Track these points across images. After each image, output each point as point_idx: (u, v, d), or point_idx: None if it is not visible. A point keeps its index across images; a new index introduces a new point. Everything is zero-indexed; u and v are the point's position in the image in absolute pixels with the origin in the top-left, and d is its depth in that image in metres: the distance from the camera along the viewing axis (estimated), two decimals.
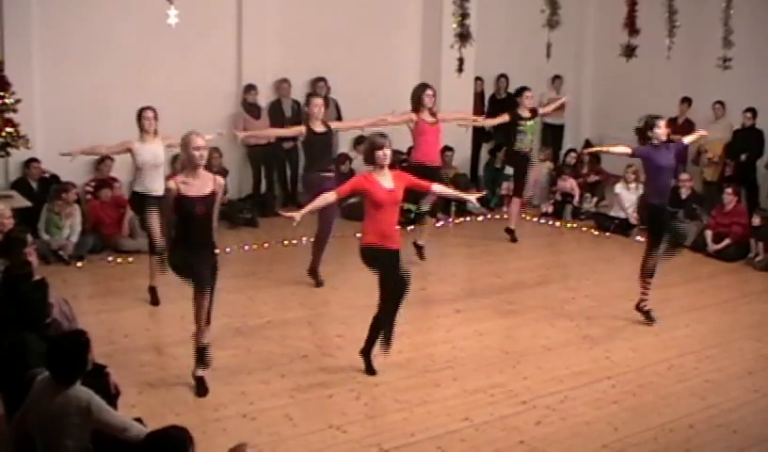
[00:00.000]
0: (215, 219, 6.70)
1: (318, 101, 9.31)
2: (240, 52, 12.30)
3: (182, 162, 6.70)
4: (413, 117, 9.84)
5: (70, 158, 8.86)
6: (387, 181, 6.85)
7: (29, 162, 10.65)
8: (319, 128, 9.09)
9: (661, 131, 8.17)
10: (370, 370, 7.05)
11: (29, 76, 10.55)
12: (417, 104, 9.85)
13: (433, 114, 9.88)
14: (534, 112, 11.05)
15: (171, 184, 6.53)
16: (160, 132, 8.62)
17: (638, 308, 8.52)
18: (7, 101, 9.54)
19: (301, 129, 9.20)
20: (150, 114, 8.56)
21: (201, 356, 6.64)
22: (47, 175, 10.82)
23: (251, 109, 12.26)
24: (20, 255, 6.28)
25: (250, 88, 12.20)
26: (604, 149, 9.34)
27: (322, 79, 12.76)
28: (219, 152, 11.79)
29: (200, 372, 6.67)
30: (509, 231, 11.38)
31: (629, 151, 8.38)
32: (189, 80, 11.72)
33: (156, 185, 8.38)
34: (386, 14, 13.53)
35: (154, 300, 8.59)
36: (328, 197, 7.01)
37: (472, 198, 8.03)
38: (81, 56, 11.09)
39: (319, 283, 9.30)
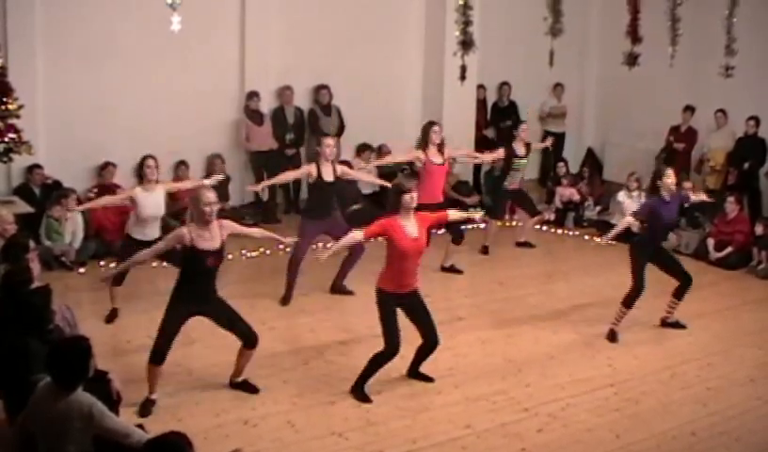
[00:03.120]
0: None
1: (330, 141, 8.95)
2: (243, 56, 12.29)
3: (191, 215, 6.55)
4: (421, 156, 9.79)
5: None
6: (412, 227, 6.67)
7: (32, 168, 10.64)
8: (328, 177, 8.78)
9: (670, 181, 8.17)
10: (366, 400, 6.82)
11: (32, 82, 10.55)
12: (425, 141, 9.81)
13: (441, 152, 9.82)
14: (528, 147, 11.07)
15: (185, 231, 6.37)
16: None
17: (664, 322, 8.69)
18: (10, 106, 9.52)
19: (312, 170, 8.83)
20: (152, 163, 8.27)
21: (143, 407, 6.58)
22: (49, 181, 10.83)
23: (254, 116, 12.27)
24: (21, 261, 6.28)
25: (253, 95, 12.20)
26: (615, 232, 8.59)
27: (325, 87, 12.77)
28: (222, 158, 11.82)
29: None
30: (485, 247, 11.34)
31: (632, 220, 8.49)
32: (192, 85, 11.74)
33: (155, 233, 8.16)
34: (389, 22, 13.54)
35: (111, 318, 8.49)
36: (356, 235, 6.80)
37: (476, 217, 8.03)
38: (84, 63, 11.09)
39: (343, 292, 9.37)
